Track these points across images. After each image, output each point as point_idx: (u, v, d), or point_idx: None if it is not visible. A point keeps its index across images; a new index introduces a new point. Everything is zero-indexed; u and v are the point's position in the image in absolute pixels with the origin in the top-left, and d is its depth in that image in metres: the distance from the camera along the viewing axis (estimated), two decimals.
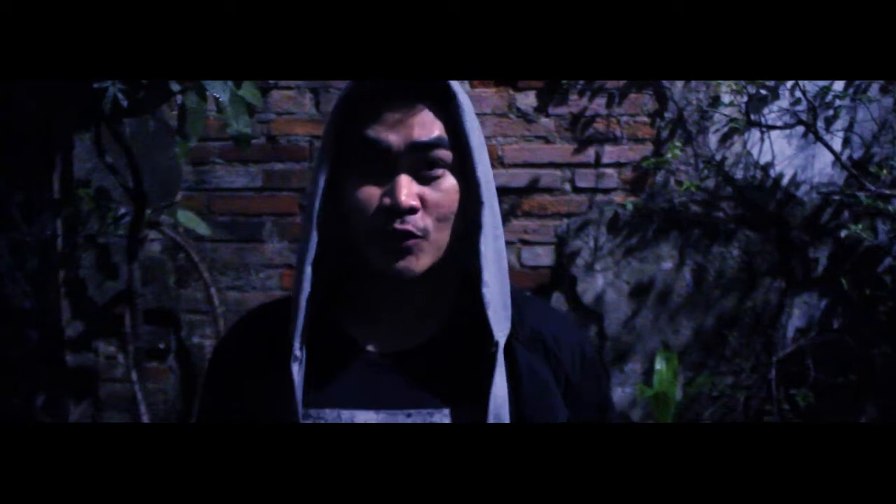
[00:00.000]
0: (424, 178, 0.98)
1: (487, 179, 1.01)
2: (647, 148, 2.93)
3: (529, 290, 2.94)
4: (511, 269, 2.88)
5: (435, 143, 0.97)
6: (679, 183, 2.90)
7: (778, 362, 2.88)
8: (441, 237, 0.99)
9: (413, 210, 0.96)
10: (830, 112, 2.85)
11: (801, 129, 2.86)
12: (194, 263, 2.91)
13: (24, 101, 2.77)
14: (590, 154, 2.93)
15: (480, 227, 1.00)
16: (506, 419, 0.98)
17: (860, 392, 2.85)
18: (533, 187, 2.92)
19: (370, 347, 1.05)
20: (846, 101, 2.83)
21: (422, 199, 0.97)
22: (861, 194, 2.70)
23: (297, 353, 0.99)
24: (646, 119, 2.92)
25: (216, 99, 2.13)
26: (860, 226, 2.70)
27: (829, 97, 2.82)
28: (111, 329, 2.95)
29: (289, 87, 2.91)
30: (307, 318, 1.00)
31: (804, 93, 2.76)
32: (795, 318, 2.94)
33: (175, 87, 2.12)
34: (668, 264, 2.94)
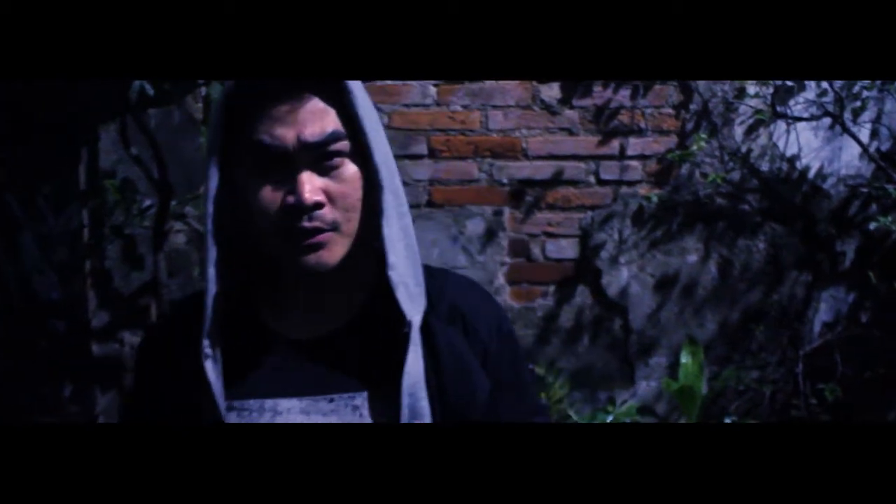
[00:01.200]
0: (324, 170, 0.97)
1: (386, 161, 1.00)
2: (672, 140, 2.91)
3: (553, 283, 2.93)
4: (535, 261, 2.90)
5: (329, 139, 0.96)
6: (704, 175, 2.89)
7: (805, 356, 2.85)
8: (350, 226, 0.99)
9: (319, 205, 0.95)
10: (858, 103, 2.81)
11: (827, 120, 2.84)
12: None
13: (50, 93, 2.80)
14: (614, 146, 2.91)
15: (382, 211, 0.99)
16: (422, 397, 0.98)
17: (888, 386, 2.82)
18: (557, 180, 2.91)
19: (289, 336, 1.05)
20: (874, 92, 2.80)
21: (325, 192, 0.96)
22: (889, 186, 2.68)
23: (208, 350, 0.99)
24: (670, 111, 2.90)
25: None
26: (888, 218, 2.67)
27: (857, 88, 2.79)
28: (137, 320, 2.97)
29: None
30: (222, 314, 1.00)
31: (831, 84, 2.74)
32: (822, 312, 2.92)
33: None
34: (693, 257, 2.92)
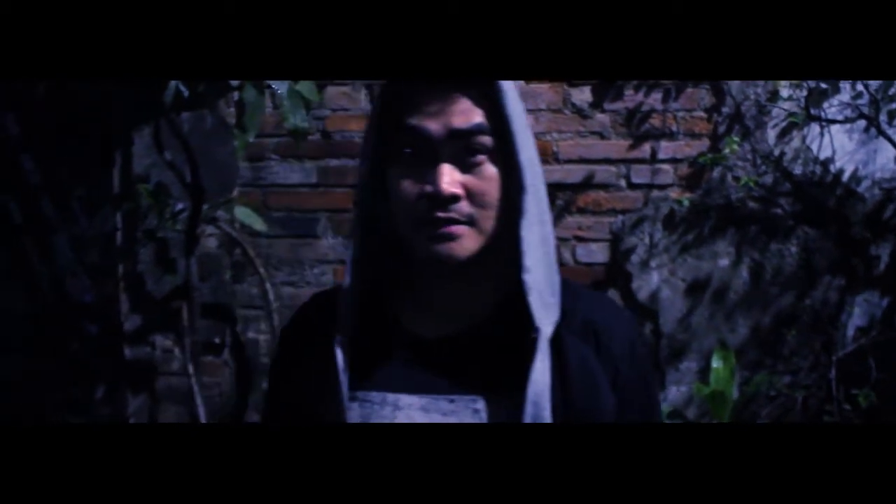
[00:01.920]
0: (466, 165, 0.98)
1: (532, 164, 1.00)
2: (704, 143, 2.89)
3: (584, 286, 2.92)
4: (566, 265, 2.90)
5: (475, 130, 0.97)
6: (736, 179, 2.86)
7: (838, 361, 2.82)
8: (486, 224, 0.99)
9: (455, 198, 0.96)
10: (894, 105, 2.78)
11: (862, 123, 2.80)
12: (250, 259, 2.94)
13: (85, 97, 2.83)
14: (645, 150, 2.90)
15: (523, 213, 0.99)
16: (545, 408, 0.97)
17: None
18: (588, 183, 2.90)
19: (418, 333, 1.06)
20: None
21: (464, 186, 0.97)
22: None
23: (340, 341, 1.01)
24: (702, 114, 2.88)
25: (273, 94, 2.16)
26: None
27: (893, 90, 2.75)
28: (168, 323, 2.99)
29: (343, 84, 2.92)
30: (358, 305, 1.03)
31: (866, 86, 2.71)
32: (856, 317, 2.89)
33: (234, 81, 2.14)
34: (724, 261, 2.90)
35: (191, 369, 2.83)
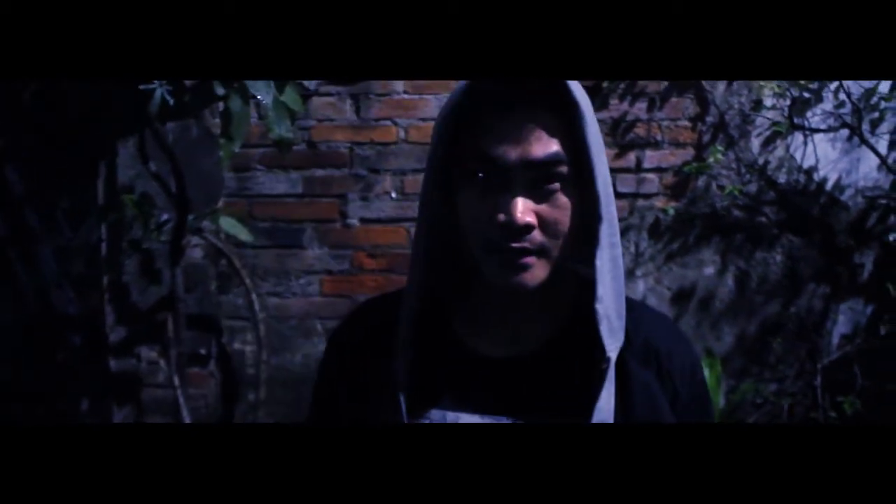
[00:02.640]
0: (540, 194, 0.95)
1: (607, 192, 0.98)
2: (689, 152, 2.90)
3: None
4: None
5: (552, 160, 0.94)
6: (721, 187, 2.88)
7: (823, 369, 2.84)
8: (556, 252, 0.97)
9: (529, 227, 0.94)
10: (876, 114, 2.80)
11: (845, 132, 2.83)
12: (235, 269, 2.93)
13: (69, 108, 2.82)
14: (630, 159, 2.91)
15: (597, 241, 0.97)
16: None
17: None
18: None
19: (480, 353, 1.04)
20: (892, 103, 2.79)
21: (538, 215, 0.95)
22: None
23: (401, 357, 1.01)
24: (687, 123, 2.89)
25: (258, 104, 2.15)
26: None
27: (875, 99, 2.77)
28: (153, 334, 2.98)
29: (329, 94, 2.92)
30: (417, 318, 1.01)
31: (849, 95, 2.73)
32: (841, 325, 2.90)
33: (220, 90, 2.14)
34: (710, 270, 2.92)
35: (176, 381, 2.82)
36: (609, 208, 0.98)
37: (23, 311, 3.00)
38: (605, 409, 0.96)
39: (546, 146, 0.94)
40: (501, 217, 0.93)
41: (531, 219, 0.94)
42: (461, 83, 0.98)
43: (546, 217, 0.95)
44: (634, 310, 1.04)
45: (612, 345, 0.98)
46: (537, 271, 0.96)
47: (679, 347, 1.06)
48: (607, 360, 0.97)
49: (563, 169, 0.95)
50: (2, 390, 3.00)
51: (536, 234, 0.95)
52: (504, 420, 1.00)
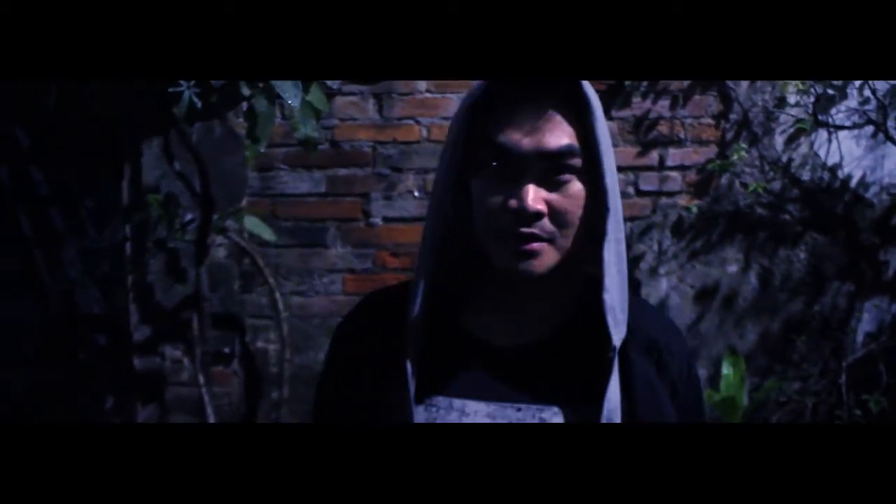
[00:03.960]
0: (552, 183, 0.98)
1: (614, 186, 1.00)
2: (712, 150, 2.90)
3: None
4: None
5: (565, 152, 0.97)
6: (744, 185, 2.87)
7: (848, 367, 2.83)
8: (565, 241, 0.99)
9: (539, 215, 0.96)
10: None
11: (870, 128, 2.81)
12: (259, 268, 2.94)
13: (95, 110, 2.84)
14: (653, 157, 2.91)
15: (605, 234, 1.00)
16: (618, 421, 0.99)
17: None
18: None
19: (487, 341, 1.06)
20: None
21: (548, 204, 0.97)
22: None
23: (410, 345, 1.02)
24: (710, 121, 2.89)
25: (282, 104, 2.16)
26: None
27: None
28: (177, 333, 2.99)
29: (352, 93, 2.93)
30: (425, 306, 1.02)
31: (874, 91, 2.71)
32: (865, 322, 2.89)
33: (245, 91, 2.15)
34: (733, 268, 2.91)
35: (201, 379, 2.83)
36: (616, 202, 1.00)
37: (48, 311, 3.03)
38: (613, 398, 0.99)
39: (559, 138, 0.96)
40: (513, 203, 0.96)
41: (542, 206, 0.96)
42: (479, 85, 1.01)
43: (557, 206, 0.97)
44: (634, 304, 1.06)
45: (618, 335, 1.00)
46: (546, 258, 0.99)
47: (677, 342, 1.09)
48: (613, 349, 0.99)
49: (576, 161, 0.97)
50: (28, 390, 3.02)
51: (546, 222, 0.97)
52: (509, 406, 1.02)
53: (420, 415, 1.02)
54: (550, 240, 0.98)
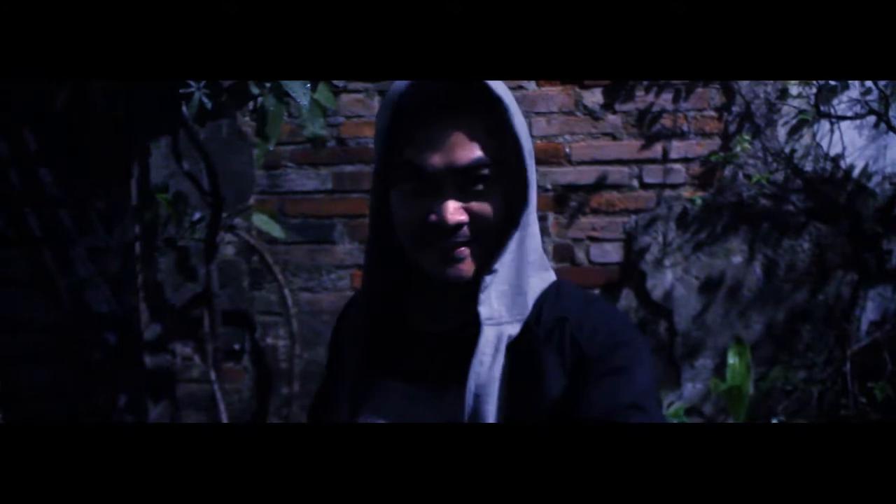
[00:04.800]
0: (469, 193, 1.01)
1: (533, 180, 1.04)
2: (715, 142, 2.91)
3: (599, 286, 2.95)
4: (580, 265, 2.92)
5: (477, 165, 0.99)
6: (748, 177, 2.89)
7: (853, 356, 2.84)
8: (488, 237, 1.03)
9: (460, 225, 1.00)
10: None
11: (872, 118, 2.83)
12: (268, 265, 2.97)
13: (103, 111, 2.86)
14: (657, 150, 2.92)
15: (518, 226, 1.03)
16: (489, 401, 1.00)
17: None
18: (601, 184, 2.93)
19: (417, 328, 1.14)
20: None
21: (468, 212, 1.01)
22: None
23: (355, 335, 1.15)
24: (713, 113, 2.91)
25: (290, 103, 2.18)
26: None
27: None
28: (188, 331, 3.02)
29: (357, 91, 2.95)
30: (370, 305, 1.13)
31: (875, 82, 2.73)
32: (870, 311, 2.91)
33: (254, 90, 2.17)
34: (737, 258, 2.93)
35: (213, 375, 2.86)
36: (534, 195, 1.05)
37: (58, 310, 3.05)
38: (479, 374, 1.00)
39: (469, 152, 0.99)
40: (433, 218, 1.00)
41: (462, 217, 1.00)
42: (390, 93, 1.04)
43: (476, 212, 1.01)
44: (569, 296, 1.09)
45: (505, 314, 1.03)
46: (471, 261, 1.03)
47: (595, 318, 1.04)
48: (480, 325, 1.02)
49: (486, 171, 1.00)
50: (40, 388, 3.04)
51: (466, 230, 1.01)
52: (423, 386, 1.09)
53: (369, 393, 1.12)
54: (473, 241, 1.02)
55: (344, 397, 1.12)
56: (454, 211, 0.99)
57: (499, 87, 1.00)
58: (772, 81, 2.86)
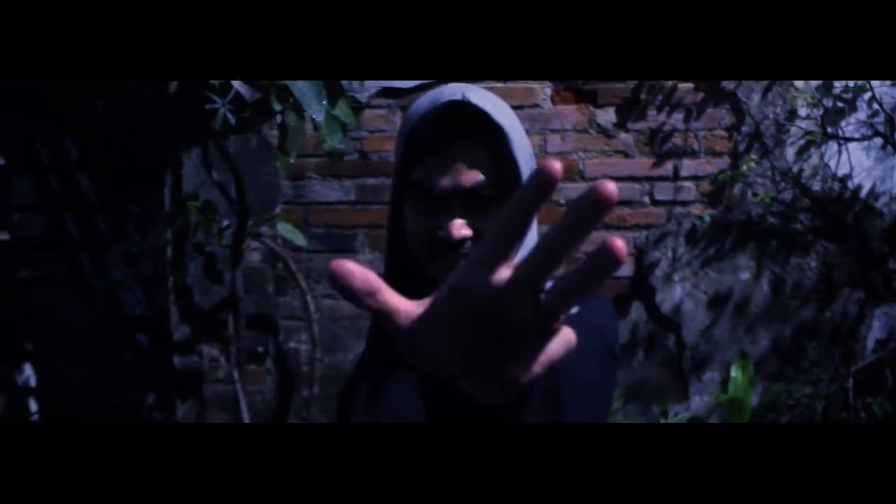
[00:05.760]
0: (474, 211, 1.10)
1: None
2: (725, 161, 2.98)
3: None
4: None
5: (480, 187, 1.10)
6: (756, 195, 2.95)
7: (856, 372, 2.89)
8: None
9: (465, 240, 1.10)
10: None
11: (878, 140, 2.88)
12: (292, 272, 3.08)
13: (139, 122, 2.99)
14: (668, 167, 3.00)
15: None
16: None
17: None
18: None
19: None
20: None
21: (473, 227, 1.11)
22: None
23: (375, 338, 1.26)
24: (723, 133, 2.98)
25: (311, 118, 2.30)
26: None
27: None
28: (214, 333, 3.13)
29: (380, 106, 3.06)
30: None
31: (881, 104, 2.79)
32: (876, 329, 2.95)
33: (276, 106, 2.29)
34: (745, 275, 2.99)
35: (236, 376, 2.97)
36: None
37: (93, 312, 3.17)
38: None
39: (473, 176, 1.09)
40: (441, 233, 1.10)
41: (467, 232, 1.10)
42: (405, 118, 1.15)
43: (481, 227, 1.11)
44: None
45: None
46: None
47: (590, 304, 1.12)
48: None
49: (489, 192, 1.10)
50: (75, 387, 3.16)
51: (471, 243, 1.11)
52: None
53: (389, 388, 1.20)
54: None
55: (364, 390, 1.23)
56: (460, 227, 1.09)
57: (502, 115, 1.09)
58: (781, 103, 2.93)
